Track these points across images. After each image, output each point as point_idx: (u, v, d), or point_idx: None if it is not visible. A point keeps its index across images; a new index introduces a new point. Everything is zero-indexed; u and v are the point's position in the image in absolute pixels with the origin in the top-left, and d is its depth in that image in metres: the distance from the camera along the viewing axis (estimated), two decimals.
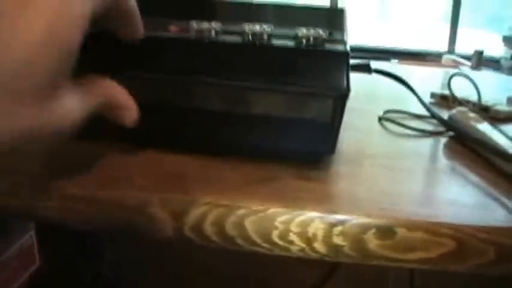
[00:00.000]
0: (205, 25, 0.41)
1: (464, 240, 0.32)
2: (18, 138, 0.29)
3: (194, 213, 0.33)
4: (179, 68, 0.38)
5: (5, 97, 0.28)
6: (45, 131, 0.30)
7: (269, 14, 0.53)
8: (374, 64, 1.00)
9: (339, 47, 0.40)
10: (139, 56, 0.39)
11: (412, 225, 0.32)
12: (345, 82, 0.37)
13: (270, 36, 0.41)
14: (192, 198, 0.34)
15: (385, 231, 0.32)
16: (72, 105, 0.31)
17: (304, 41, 0.40)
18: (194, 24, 0.41)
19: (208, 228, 0.33)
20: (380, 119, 0.56)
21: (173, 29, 0.43)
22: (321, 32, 0.41)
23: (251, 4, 0.57)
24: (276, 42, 0.40)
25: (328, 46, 0.40)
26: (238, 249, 0.33)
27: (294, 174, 0.38)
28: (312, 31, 0.41)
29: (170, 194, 0.34)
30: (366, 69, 0.53)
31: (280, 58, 0.38)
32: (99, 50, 0.39)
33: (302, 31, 0.41)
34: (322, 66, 0.38)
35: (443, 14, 3.21)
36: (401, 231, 0.32)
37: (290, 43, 0.40)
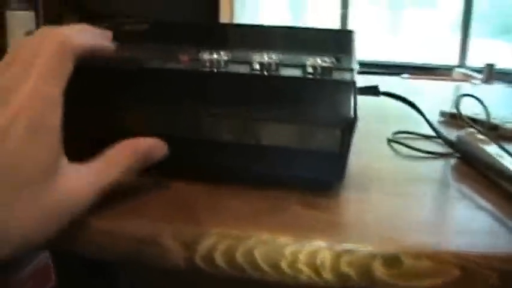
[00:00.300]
0: (214, 55, 0.42)
1: (468, 267, 0.32)
2: (29, 227, 0.31)
3: (205, 244, 0.34)
4: (188, 99, 0.39)
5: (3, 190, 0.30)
6: (51, 216, 0.32)
7: (278, 38, 0.54)
8: (384, 80, 1.01)
9: (346, 76, 0.41)
10: (150, 88, 0.40)
11: (418, 254, 0.33)
12: (352, 111, 0.38)
13: (277, 65, 0.42)
14: (203, 228, 0.34)
15: (392, 260, 0.33)
16: (79, 185, 0.33)
17: (311, 70, 0.41)
18: (204, 54, 0.43)
19: (219, 258, 0.34)
20: (389, 140, 0.57)
21: (183, 59, 0.44)
22: (328, 60, 0.42)
23: (260, 27, 0.58)
24: (284, 72, 0.41)
25: (336, 75, 0.41)
26: (248, 278, 0.34)
27: (303, 202, 0.39)
28: (319, 60, 0.41)
29: (181, 225, 0.35)
30: (374, 92, 0.54)
31: (287, 88, 0.39)
32: (109, 84, 0.41)
33: (309, 60, 0.42)
34: (329, 96, 0.39)
35: (453, 23, 3.21)
36: (407, 260, 0.33)
37: (297, 72, 0.41)
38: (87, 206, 0.34)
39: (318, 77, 0.40)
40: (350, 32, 0.57)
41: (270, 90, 0.39)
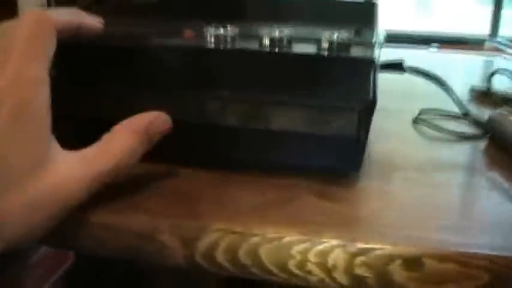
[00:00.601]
0: (220, 30, 0.39)
1: (499, 272, 0.29)
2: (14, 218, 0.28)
3: (205, 241, 0.31)
4: (190, 79, 0.36)
5: None
6: (41, 208, 0.29)
7: (292, 10, 0.50)
8: (411, 53, 0.95)
9: (365, 53, 0.37)
10: (149, 67, 0.37)
11: (442, 256, 0.29)
12: (371, 93, 0.34)
13: (290, 41, 0.38)
14: (204, 224, 0.31)
15: (412, 262, 0.29)
16: (70, 175, 0.30)
17: (327, 45, 0.37)
18: (209, 29, 0.39)
19: (221, 256, 0.31)
20: (414, 120, 0.52)
21: (188, 34, 0.41)
22: (346, 34, 0.38)
23: None
24: (297, 48, 0.37)
25: (354, 52, 0.37)
26: (254, 278, 0.31)
27: (315, 192, 0.35)
28: (336, 34, 0.37)
29: (181, 220, 0.32)
30: (398, 68, 0.50)
31: (300, 67, 0.35)
32: (105, 63, 0.38)
33: (326, 34, 0.38)
34: (346, 75, 0.35)
35: None
36: (430, 263, 0.29)
37: (311, 49, 0.37)
38: (82, 198, 0.31)
39: (334, 53, 0.36)
40: (372, 4, 0.53)
41: (282, 69, 0.35)
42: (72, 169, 0.30)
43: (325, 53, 0.36)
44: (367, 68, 0.35)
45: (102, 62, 0.37)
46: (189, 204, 0.34)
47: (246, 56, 0.36)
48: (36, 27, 0.31)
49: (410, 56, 0.66)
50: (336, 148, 0.35)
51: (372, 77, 0.35)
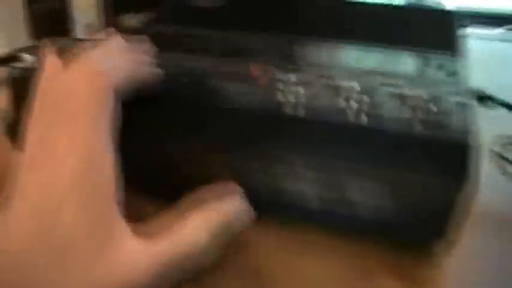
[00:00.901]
0: (291, 76, 0.35)
1: None
2: None
3: None
4: (262, 143, 0.32)
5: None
6: None
7: (358, 21, 0.44)
8: (478, 42, 0.84)
9: (461, 127, 0.32)
10: (215, 124, 0.33)
11: None
12: (464, 170, 0.30)
13: (369, 100, 0.33)
14: None
15: None
16: (135, 262, 0.27)
17: (412, 108, 0.33)
18: (278, 74, 0.35)
19: None
20: (490, 153, 0.48)
21: (253, 73, 0.37)
22: (430, 78, 0.34)
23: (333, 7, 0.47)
24: (374, 113, 0.33)
25: (446, 120, 0.32)
26: None
27: (393, 270, 0.32)
28: (422, 95, 0.33)
29: None
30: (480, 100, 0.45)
31: (385, 140, 0.31)
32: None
33: (406, 92, 0.33)
34: (437, 151, 0.31)
35: None
36: None
37: (395, 115, 0.32)
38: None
39: (421, 128, 0.32)
40: (450, 13, 0.46)
41: (360, 139, 0.31)
42: (139, 260, 0.27)
43: (413, 126, 0.32)
44: (462, 148, 0.30)
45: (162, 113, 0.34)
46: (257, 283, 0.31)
47: (323, 124, 0.32)
48: (93, 95, 0.28)
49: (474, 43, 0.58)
50: (419, 224, 0.32)
51: (466, 155, 0.30)
